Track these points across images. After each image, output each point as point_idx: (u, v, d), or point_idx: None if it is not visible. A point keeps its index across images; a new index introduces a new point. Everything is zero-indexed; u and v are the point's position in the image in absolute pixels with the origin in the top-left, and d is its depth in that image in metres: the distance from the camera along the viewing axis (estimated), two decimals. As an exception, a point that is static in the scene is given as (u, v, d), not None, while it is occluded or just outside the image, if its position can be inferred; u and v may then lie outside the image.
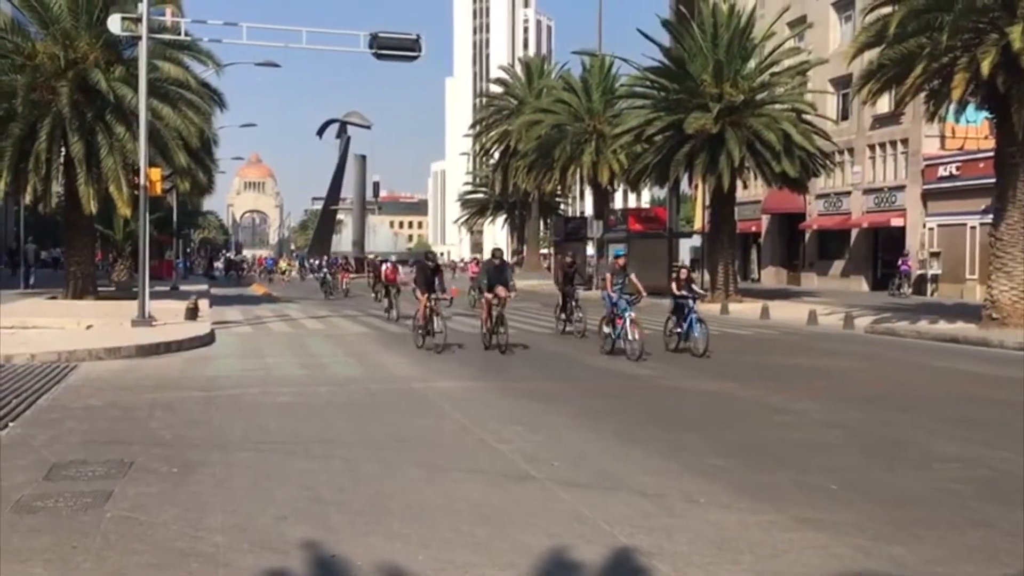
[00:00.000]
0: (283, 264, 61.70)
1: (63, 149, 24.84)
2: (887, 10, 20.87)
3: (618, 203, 63.27)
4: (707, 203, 34.11)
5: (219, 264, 77.17)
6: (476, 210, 75.71)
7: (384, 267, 26.73)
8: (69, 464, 7.16)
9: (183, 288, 35.02)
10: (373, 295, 30.56)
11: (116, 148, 24.31)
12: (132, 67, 23.08)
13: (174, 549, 5.22)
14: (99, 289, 28.48)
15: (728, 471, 7.27)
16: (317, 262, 51.26)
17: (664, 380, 12.79)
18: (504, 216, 70.09)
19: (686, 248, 56.46)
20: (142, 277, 19.43)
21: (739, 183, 31.41)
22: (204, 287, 38.99)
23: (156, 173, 19.93)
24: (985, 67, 18.32)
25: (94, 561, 5.02)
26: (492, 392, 11.67)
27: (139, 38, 19.44)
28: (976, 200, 30.56)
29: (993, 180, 21.29)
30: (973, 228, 32.68)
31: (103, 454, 7.54)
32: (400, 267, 28.21)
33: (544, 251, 66.10)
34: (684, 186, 41.35)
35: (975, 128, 33.83)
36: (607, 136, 37.89)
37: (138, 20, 19.29)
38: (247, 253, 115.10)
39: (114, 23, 19.85)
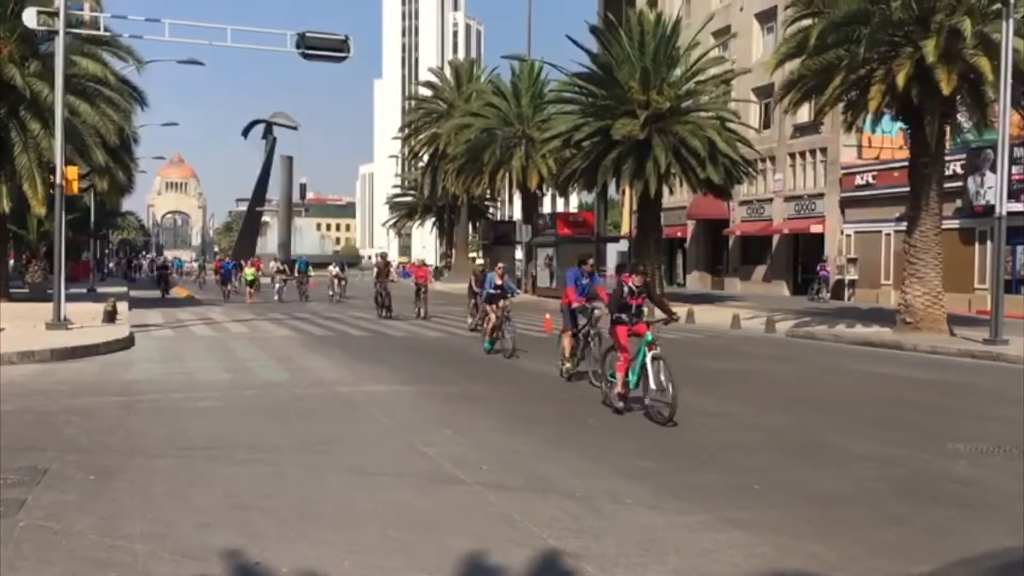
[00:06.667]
0: (250, 271, 37.19)
1: (-26, 146, 23.97)
2: (808, 22, 21.40)
3: (547, 207, 63.53)
4: (634, 208, 34.52)
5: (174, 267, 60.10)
6: (404, 213, 75.29)
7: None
8: (-21, 472, 6.88)
9: (100, 290, 34.00)
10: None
11: (31, 145, 23.58)
12: (48, 62, 22.42)
13: (91, 559, 5.06)
14: (12, 291, 27.51)
15: (655, 473, 7.36)
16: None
17: (591, 385, 12.85)
18: (433, 219, 69.90)
19: (614, 252, 57.14)
20: (57, 278, 18.83)
21: (665, 189, 31.87)
22: (123, 289, 37.95)
23: (73, 171, 19.33)
24: (900, 79, 18.95)
25: (6, 572, 4.83)
26: (420, 396, 11.61)
27: (56, 33, 18.84)
28: (891, 208, 31.57)
29: (907, 189, 22.00)
30: (888, 235, 33.74)
31: (16, 461, 7.25)
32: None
33: (473, 255, 66.15)
34: (612, 191, 41.76)
35: (890, 138, 34.96)
36: (536, 141, 38.09)
37: (55, 14, 18.70)
38: (168, 255, 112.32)
39: (29, 17, 19.17)
